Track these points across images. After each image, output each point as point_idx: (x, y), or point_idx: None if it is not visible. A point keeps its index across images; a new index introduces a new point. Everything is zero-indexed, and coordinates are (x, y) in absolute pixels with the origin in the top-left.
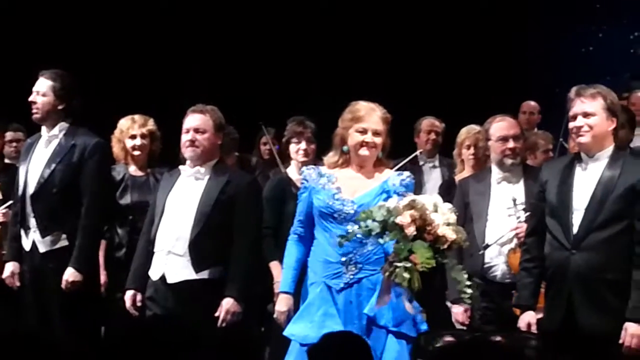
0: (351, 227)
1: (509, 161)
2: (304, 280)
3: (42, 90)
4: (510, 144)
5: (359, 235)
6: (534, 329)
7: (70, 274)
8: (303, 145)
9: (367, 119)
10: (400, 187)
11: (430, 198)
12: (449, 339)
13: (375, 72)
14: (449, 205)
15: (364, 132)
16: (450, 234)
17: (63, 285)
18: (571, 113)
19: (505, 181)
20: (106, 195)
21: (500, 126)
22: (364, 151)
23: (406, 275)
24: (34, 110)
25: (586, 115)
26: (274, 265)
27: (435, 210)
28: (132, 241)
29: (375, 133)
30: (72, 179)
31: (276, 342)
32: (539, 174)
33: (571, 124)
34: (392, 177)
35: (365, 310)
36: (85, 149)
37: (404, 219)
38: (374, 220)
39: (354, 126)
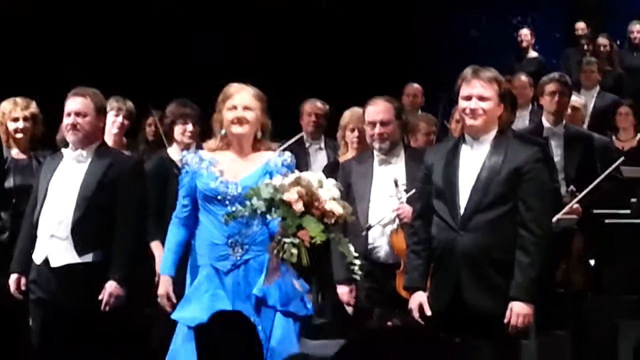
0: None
1: (376, 145)
2: (189, 263)
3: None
4: (377, 129)
5: (245, 215)
6: (426, 308)
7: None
8: (190, 127)
9: (236, 96)
10: (282, 168)
11: (314, 175)
12: None
13: (263, 57)
14: (333, 181)
15: (234, 108)
16: (337, 208)
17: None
18: (465, 93)
19: (386, 163)
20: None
21: (369, 111)
22: (236, 128)
23: (294, 251)
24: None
25: (482, 99)
26: (155, 245)
27: (321, 186)
28: (15, 225)
29: (246, 108)
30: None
31: (163, 323)
32: (420, 155)
33: (464, 104)
34: (273, 158)
35: (253, 291)
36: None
37: (291, 195)
38: (259, 198)
39: (225, 105)
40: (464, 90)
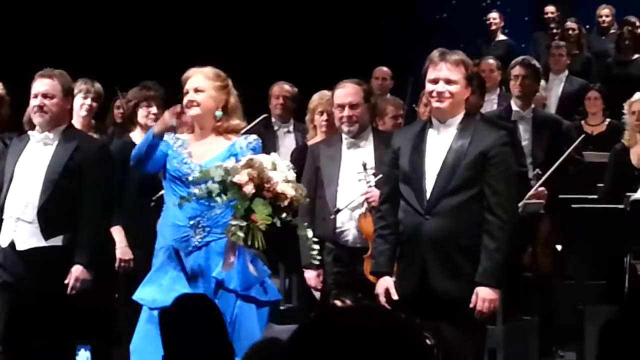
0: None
1: (345, 128)
2: (155, 244)
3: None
4: (345, 112)
5: (200, 197)
6: (392, 293)
7: None
8: (154, 109)
9: (189, 80)
10: (247, 150)
11: (268, 157)
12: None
13: (232, 40)
14: (287, 163)
15: (186, 92)
16: (289, 190)
17: None
18: (432, 76)
19: (355, 146)
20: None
21: (337, 94)
22: (189, 111)
23: (240, 234)
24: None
25: (449, 82)
26: (116, 230)
27: (274, 169)
28: None
29: (197, 90)
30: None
31: (130, 307)
32: (388, 139)
33: (430, 87)
34: (239, 140)
35: (213, 274)
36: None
37: (241, 177)
38: (213, 181)
39: (184, 90)
40: (431, 74)
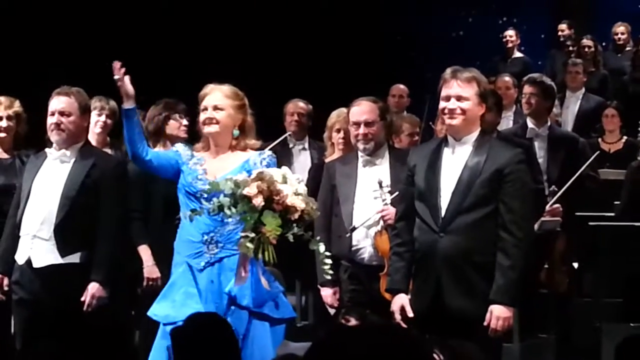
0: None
1: (360, 146)
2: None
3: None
4: (361, 129)
5: (210, 211)
6: (408, 310)
7: None
8: (185, 121)
9: (207, 97)
10: (262, 167)
11: (278, 170)
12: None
13: (247, 57)
14: (297, 176)
15: (205, 109)
16: (299, 203)
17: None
18: (444, 94)
19: (371, 164)
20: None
21: (353, 111)
22: (206, 128)
23: (249, 245)
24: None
25: (460, 98)
26: (142, 249)
27: (284, 182)
28: None
29: (216, 108)
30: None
31: (146, 325)
32: (404, 156)
33: (443, 104)
34: (253, 156)
35: (226, 290)
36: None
37: (250, 189)
38: (224, 194)
39: (200, 107)
40: (443, 91)
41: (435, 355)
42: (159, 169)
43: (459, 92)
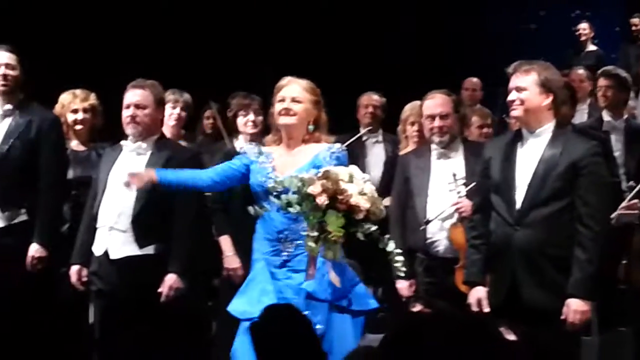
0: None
1: (436, 139)
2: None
3: (12, 63)
4: (436, 122)
5: (281, 206)
6: (484, 304)
7: (35, 250)
8: (251, 116)
9: (285, 88)
10: (332, 161)
11: (346, 169)
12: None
13: (324, 51)
14: (365, 176)
15: (282, 100)
16: (363, 203)
17: (28, 260)
18: (509, 88)
19: (444, 157)
20: (64, 172)
21: (427, 104)
22: (283, 119)
23: (312, 244)
24: (4, 83)
25: (518, 89)
26: (223, 240)
27: (351, 181)
28: (75, 216)
29: (294, 100)
30: (30, 155)
31: (223, 316)
32: (478, 149)
33: (508, 99)
34: (322, 151)
35: (302, 285)
36: (42, 125)
37: (315, 188)
38: (293, 192)
39: (276, 98)
40: (509, 86)
41: (508, 336)
42: (228, 182)
43: (517, 82)
